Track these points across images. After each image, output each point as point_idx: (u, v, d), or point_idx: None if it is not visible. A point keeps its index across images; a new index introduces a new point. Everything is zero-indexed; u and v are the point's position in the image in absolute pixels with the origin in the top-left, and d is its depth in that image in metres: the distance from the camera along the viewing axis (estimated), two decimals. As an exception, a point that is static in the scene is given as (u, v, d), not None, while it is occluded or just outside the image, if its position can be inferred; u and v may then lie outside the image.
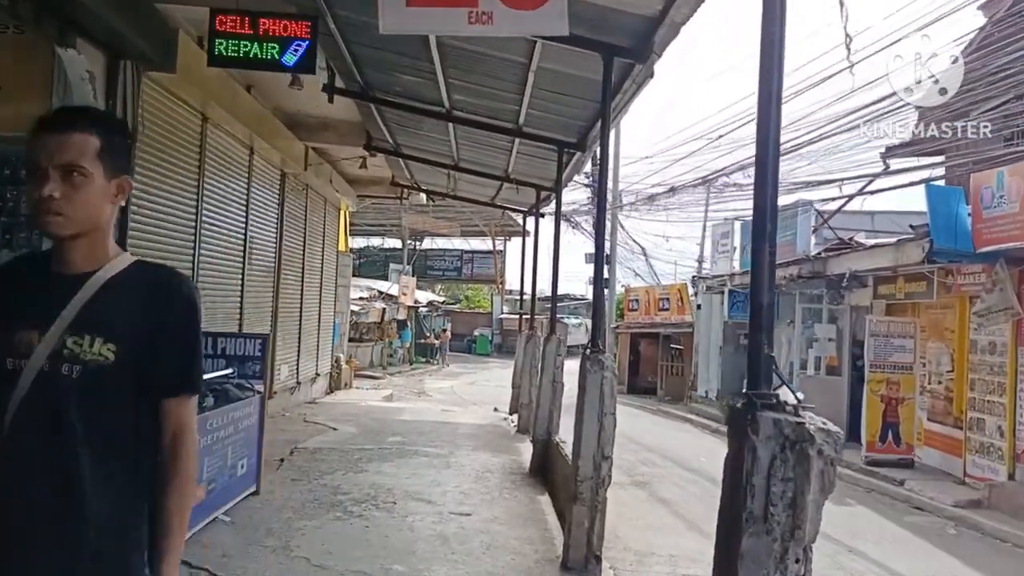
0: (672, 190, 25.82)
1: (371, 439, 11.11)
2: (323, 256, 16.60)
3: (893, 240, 13.40)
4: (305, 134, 12.95)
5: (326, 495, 7.68)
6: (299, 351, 14.82)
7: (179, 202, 8.95)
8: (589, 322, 40.20)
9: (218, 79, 9.77)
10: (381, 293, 31.93)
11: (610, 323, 27.80)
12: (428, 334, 38.90)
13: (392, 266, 42.61)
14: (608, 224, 27.74)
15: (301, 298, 14.86)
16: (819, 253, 15.51)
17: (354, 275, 42.54)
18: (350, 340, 29.99)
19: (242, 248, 11.26)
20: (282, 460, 9.32)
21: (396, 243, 47.95)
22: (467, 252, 49.55)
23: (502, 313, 47.81)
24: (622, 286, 29.70)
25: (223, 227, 10.45)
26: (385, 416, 14.03)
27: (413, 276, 37.24)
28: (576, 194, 27.44)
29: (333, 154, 14.14)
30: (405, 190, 17.32)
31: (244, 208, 11.29)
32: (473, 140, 11.19)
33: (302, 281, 14.87)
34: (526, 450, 10.92)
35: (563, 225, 28.71)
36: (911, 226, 13.85)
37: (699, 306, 21.98)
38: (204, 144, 9.61)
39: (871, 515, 11.26)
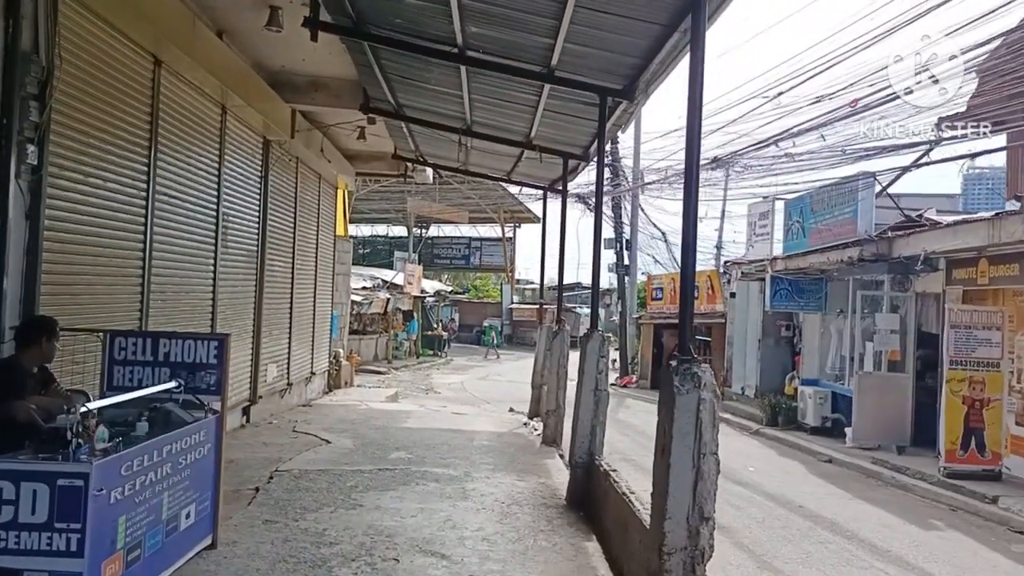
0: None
1: (370, 456, 9.19)
2: (318, 240, 14.68)
3: (988, 215, 11.38)
4: (291, 95, 10.99)
5: (307, 547, 5.75)
6: (290, 348, 12.92)
7: (121, 167, 7.01)
8: (603, 311, 37.87)
9: (177, 14, 7.82)
10: (385, 282, 30.01)
11: (631, 313, 25.86)
12: (436, 325, 36.99)
13: (397, 254, 40.71)
14: (627, 206, 25.75)
15: (292, 287, 12.94)
16: (884, 232, 13.50)
17: (359, 264, 40.76)
18: (352, 333, 28.10)
19: (213, 227, 9.33)
20: (257, 489, 7.41)
21: (402, 231, 46.04)
22: (475, 240, 47.62)
23: (512, 303, 45.88)
24: (643, 273, 27.74)
25: (186, 201, 8.51)
26: (388, 423, 12.12)
27: (419, 264, 35.30)
28: (593, 174, 25.42)
29: (325, 120, 12.19)
30: (409, 166, 15.36)
31: (215, 179, 9.35)
32: (490, 95, 9.22)
33: (292, 268, 12.95)
34: (557, 470, 9.00)
35: (580, 208, 26.79)
36: (1017, 196, 11.81)
37: (732, 294, 19.99)
38: (157, 96, 7.65)
39: (969, 543, 9.30)
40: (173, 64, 7.85)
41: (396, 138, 13.00)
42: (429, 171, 16.21)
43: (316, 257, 14.61)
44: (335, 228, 16.32)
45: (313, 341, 14.60)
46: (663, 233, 30.00)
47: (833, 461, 13.92)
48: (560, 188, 13.99)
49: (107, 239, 6.84)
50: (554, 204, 15.14)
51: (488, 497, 7.49)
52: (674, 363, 4.28)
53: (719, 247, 39.95)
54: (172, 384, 5.51)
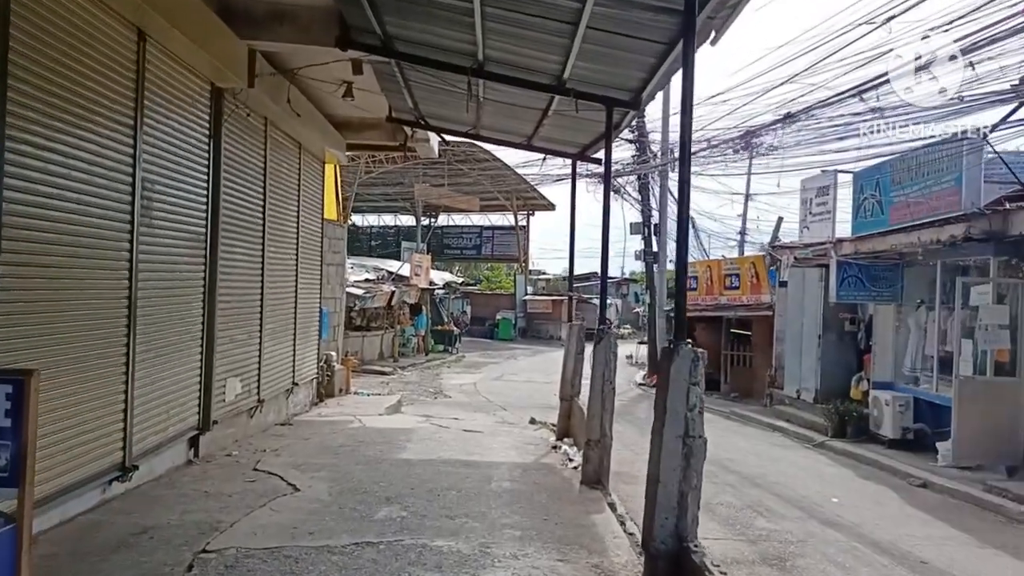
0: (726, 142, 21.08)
1: (348, 516, 6.45)
2: (299, 224, 11.94)
3: None
4: (248, 29, 8.21)
5: None
6: (261, 355, 10.21)
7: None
8: (619, 302, 35.44)
9: None
10: (391, 274, 27.29)
11: (661, 304, 23.05)
12: (447, 320, 34.26)
13: (404, 244, 38.01)
14: (656, 190, 22.93)
15: (262, 280, 10.22)
16: (997, 204, 10.63)
17: (367, 255, 38.08)
18: (355, 329, 25.39)
19: (127, 197, 6.59)
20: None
21: (410, 221, 43.35)
22: (487, 229, 44.88)
23: (526, 294, 43.08)
24: (671, 262, 24.85)
25: (75, 159, 5.78)
26: (382, 451, 9.37)
27: (428, 254, 32.55)
28: (618, 152, 22.57)
29: (295, 62, 9.38)
30: (408, 133, 12.57)
31: (129, 131, 6.61)
32: (510, 18, 6.49)
33: (262, 256, 10.23)
34: (613, 539, 6.23)
35: (595, 192, 23.88)
36: None
37: (783, 283, 17.18)
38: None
39: None
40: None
41: (390, 94, 10.23)
42: (433, 142, 13.43)
43: (297, 244, 11.88)
44: (323, 210, 13.58)
45: (294, 345, 11.89)
46: (692, 218, 27.17)
47: (929, 486, 11.12)
48: (593, 155, 11.21)
49: None
50: (562, 189, 12.42)
51: (518, 601, 4.74)
52: None
53: (743, 233, 37.09)
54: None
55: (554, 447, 10.29)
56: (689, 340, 4.84)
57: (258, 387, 10.15)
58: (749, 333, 21.07)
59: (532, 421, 14.09)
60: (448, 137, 12.30)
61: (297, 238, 11.86)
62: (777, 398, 17.10)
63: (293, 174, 11.63)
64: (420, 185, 33.45)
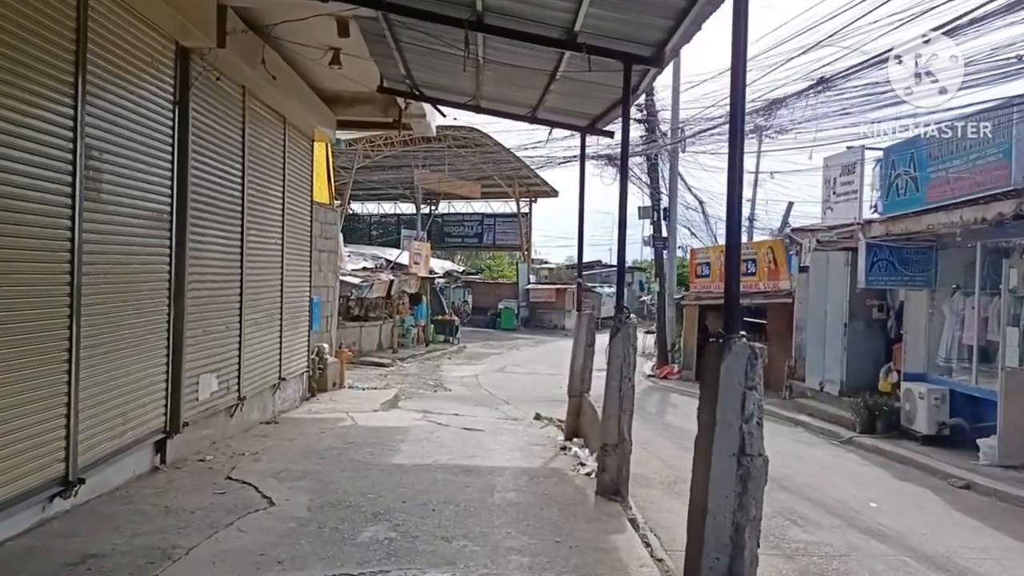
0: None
1: (327, 538, 5.49)
2: (285, 205, 10.96)
3: None
4: (216, -21, 7.25)
5: None
6: (241, 348, 9.24)
7: None
8: (624, 291, 34.14)
9: None
10: (389, 262, 26.33)
11: (671, 292, 22.06)
12: (447, 310, 33.29)
13: (404, 232, 37.04)
14: (665, 172, 21.90)
15: (241, 265, 9.25)
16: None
17: (368, 244, 37.11)
18: (352, 319, 24.46)
19: (68, 167, 5.63)
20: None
21: (410, 208, 42.37)
22: (488, 216, 43.88)
23: (529, 283, 42.09)
24: (680, 248, 23.89)
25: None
26: (373, 454, 8.42)
27: (427, 242, 31.55)
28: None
29: (272, 17, 8.34)
30: (402, 107, 11.55)
31: (71, 90, 5.63)
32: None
33: (241, 240, 9.25)
34: (633, 556, 5.30)
35: (600, 173, 22.78)
36: None
37: (804, 268, 16.18)
38: None
39: None
40: None
41: (381, 60, 9.22)
42: (430, 118, 12.42)
43: (283, 227, 10.90)
44: (312, 192, 12.60)
45: (281, 337, 10.93)
46: (701, 202, 26.16)
47: (973, 487, 10.17)
48: (604, 128, 10.21)
49: None
50: (565, 175, 11.43)
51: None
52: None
53: (752, 218, 36.00)
54: None
55: (563, 448, 9.34)
56: (743, 332, 3.88)
57: (238, 383, 9.20)
58: (763, 321, 20.09)
59: (537, 417, 13.16)
60: (446, 110, 11.28)
61: (283, 221, 10.88)
62: (798, 390, 16.13)
63: (277, 151, 10.65)
64: (420, 171, 32.45)
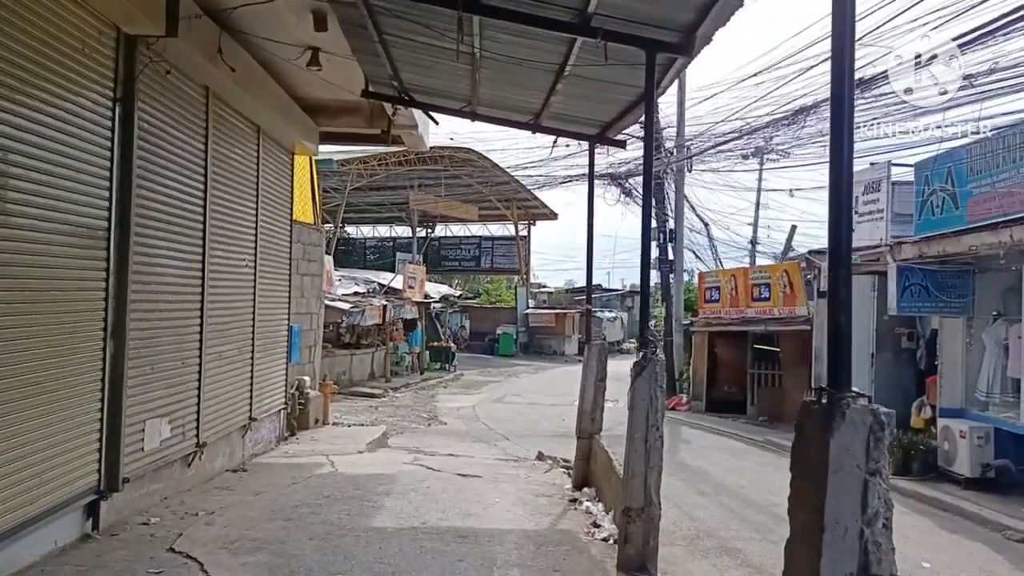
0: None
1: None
2: (259, 224, 9.75)
3: None
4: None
5: None
6: (200, 387, 7.99)
7: None
8: (625, 316, 33.02)
9: None
10: (383, 287, 25.11)
11: (678, 317, 20.85)
12: (444, 337, 31.99)
13: (399, 255, 35.87)
14: (671, 191, 20.80)
15: (202, 291, 8.02)
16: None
17: (362, 268, 35.86)
18: (343, 347, 23.18)
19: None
20: None
21: (406, 232, 41.24)
22: (486, 239, 42.73)
23: (528, 308, 40.86)
24: (686, 271, 22.76)
25: None
26: (350, 512, 7.13)
27: (423, 265, 30.33)
28: (629, 151, 20.42)
29: (227, 0, 7.19)
30: (391, 116, 10.40)
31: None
32: None
33: (203, 262, 8.03)
34: None
35: (602, 193, 21.64)
36: None
37: (822, 294, 15.00)
38: None
39: None
40: None
41: (364, 58, 8.05)
42: (422, 128, 11.28)
43: (256, 248, 9.70)
44: (292, 210, 11.41)
45: (252, 371, 9.68)
46: (706, 224, 25.04)
47: (1034, 542, 8.95)
48: (615, 137, 9.07)
49: None
50: (565, 196, 10.28)
51: None
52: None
53: (754, 243, 34.91)
54: None
55: (572, 500, 8.07)
56: (848, 390, 2.68)
57: (197, 428, 7.94)
58: (776, 349, 18.88)
59: (540, 457, 11.91)
60: (440, 119, 10.11)
61: (256, 242, 9.68)
62: (818, 425, 14.85)
63: (250, 163, 9.47)
64: (415, 192, 31.35)
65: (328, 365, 20.76)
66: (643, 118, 7.58)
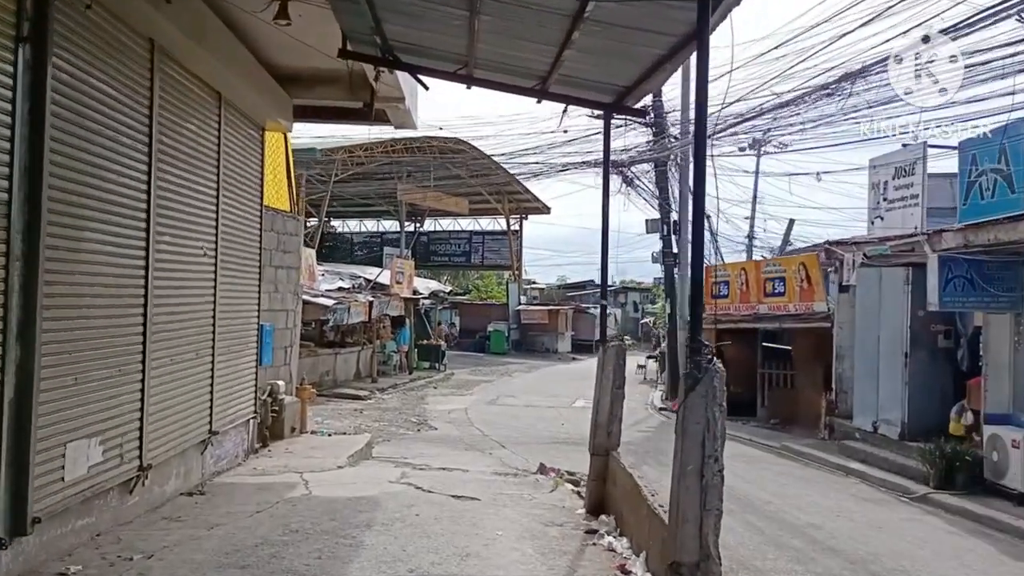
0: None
1: None
2: (219, 208, 8.37)
3: None
4: None
5: None
6: (143, 398, 6.63)
7: None
8: (619, 312, 31.59)
9: None
10: (369, 282, 23.75)
11: (683, 314, 19.58)
12: (433, 334, 30.64)
13: (387, 250, 34.49)
14: (676, 182, 19.52)
15: (146, 285, 6.65)
16: None
17: (349, 264, 34.37)
18: (326, 345, 21.83)
19: None
20: None
21: (394, 226, 39.84)
22: (476, 234, 41.40)
23: (520, 304, 39.55)
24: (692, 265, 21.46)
25: None
26: (321, 555, 5.77)
27: (411, 260, 28.94)
28: (631, 137, 19.17)
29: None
30: (375, 85, 9.05)
31: None
32: None
33: (147, 249, 6.67)
34: None
35: (615, 182, 20.32)
36: None
37: (845, 287, 13.78)
38: None
39: None
40: None
41: (340, 5, 6.71)
42: (409, 102, 9.94)
43: (217, 235, 8.33)
44: (262, 195, 10.05)
45: (213, 376, 8.31)
46: (708, 217, 23.74)
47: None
48: (635, 106, 7.78)
49: None
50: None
51: None
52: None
53: (751, 237, 33.72)
54: None
55: (589, 531, 6.78)
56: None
57: (140, 447, 6.58)
58: (787, 347, 17.68)
59: (542, 470, 10.64)
60: (431, 82, 8.71)
61: (217, 228, 8.31)
62: (841, 430, 13.64)
63: (209, 137, 8.10)
64: (403, 184, 29.96)
65: (310, 365, 19.39)
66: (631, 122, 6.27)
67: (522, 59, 7.29)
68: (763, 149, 30.50)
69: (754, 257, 27.86)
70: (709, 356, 4.29)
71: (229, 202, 8.67)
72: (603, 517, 7.08)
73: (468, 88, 7.98)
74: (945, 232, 10.76)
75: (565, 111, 7.85)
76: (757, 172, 32.22)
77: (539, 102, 7.92)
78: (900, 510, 10.23)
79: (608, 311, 47.86)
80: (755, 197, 33.06)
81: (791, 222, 31.79)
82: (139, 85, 6.51)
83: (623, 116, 8.09)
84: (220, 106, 8.32)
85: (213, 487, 8.08)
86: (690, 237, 15.29)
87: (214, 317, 8.29)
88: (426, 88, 8.49)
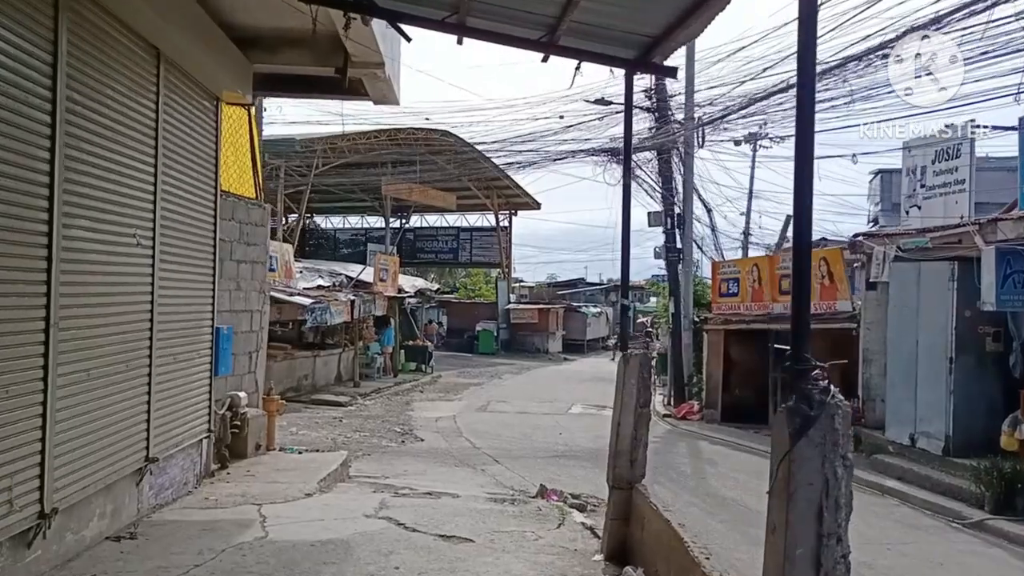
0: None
1: None
2: (157, 188, 6.88)
3: None
4: None
5: None
6: (45, 425, 5.14)
7: None
8: (610, 311, 30.28)
9: None
10: (351, 280, 22.25)
11: (687, 313, 18.23)
12: (420, 335, 29.17)
13: (371, 247, 32.96)
14: (677, 173, 18.15)
15: (49, 282, 5.16)
16: None
17: (333, 260, 32.74)
18: (305, 347, 20.29)
19: None
20: None
21: (379, 222, 38.32)
22: (464, 231, 39.94)
23: (509, 303, 38.12)
24: (697, 260, 20.08)
25: None
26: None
27: (397, 257, 27.41)
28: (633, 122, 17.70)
29: None
30: (349, 48, 7.59)
31: None
32: None
33: (51, 236, 5.17)
34: None
35: (594, 173, 18.89)
36: None
37: (873, 284, 12.44)
38: None
39: None
40: None
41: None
42: (389, 69, 8.48)
43: (155, 221, 6.83)
44: (218, 177, 8.54)
45: (150, 392, 6.82)
46: (709, 210, 22.41)
47: None
48: (665, 63, 6.37)
49: None
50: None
51: None
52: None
53: (747, 233, 32.49)
54: None
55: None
56: None
57: (41, 488, 5.10)
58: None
59: (543, 493, 9.23)
60: (417, 30, 7.23)
61: (155, 212, 6.82)
62: (872, 443, 12.29)
63: (143, 102, 6.61)
64: (388, 178, 28.46)
65: (286, 369, 17.90)
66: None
67: (526, 1, 5.85)
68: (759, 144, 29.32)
69: (749, 253, 26.62)
70: (826, 382, 2.87)
71: (172, 182, 7.18)
72: (629, 570, 5.66)
73: (459, 42, 6.50)
74: (1002, 220, 9.43)
75: (578, 68, 6.40)
76: (753, 166, 31.07)
77: (545, 59, 6.45)
78: (956, 540, 8.88)
79: (599, 310, 46.49)
80: (751, 193, 31.91)
81: (788, 218, 30.56)
82: (37, 24, 5.02)
83: (650, 73, 6.61)
84: (158, 64, 6.82)
85: (150, 527, 6.60)
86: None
87: (151, 320, 6.80)
88: (408, 39, 6.98)
